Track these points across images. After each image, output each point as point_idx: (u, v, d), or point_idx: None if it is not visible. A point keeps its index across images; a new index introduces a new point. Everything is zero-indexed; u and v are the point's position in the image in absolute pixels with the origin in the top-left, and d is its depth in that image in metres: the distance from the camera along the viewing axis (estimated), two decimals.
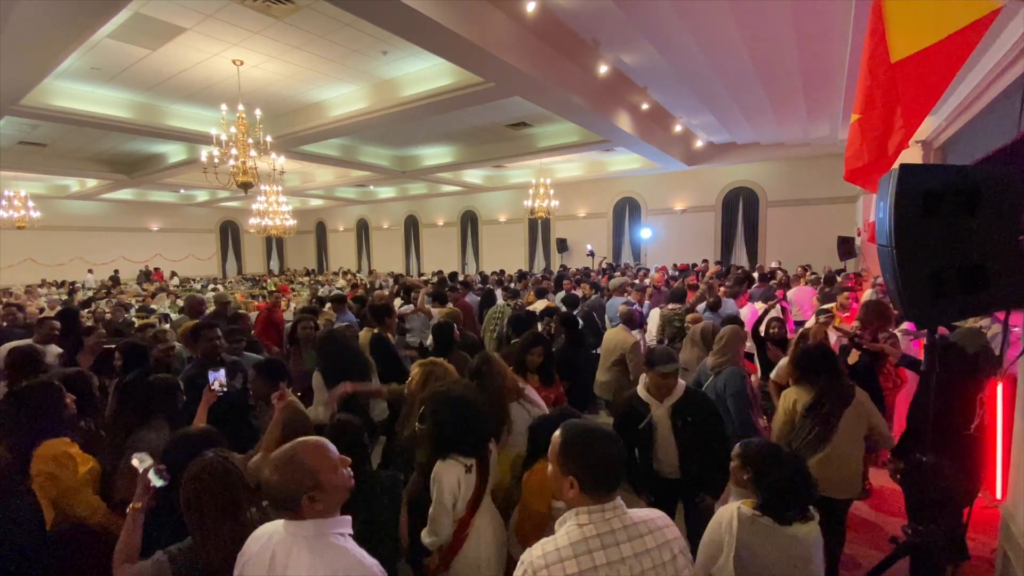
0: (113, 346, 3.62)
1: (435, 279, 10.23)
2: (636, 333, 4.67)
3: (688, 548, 1.46)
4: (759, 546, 1.79)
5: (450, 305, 6.09)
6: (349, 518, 1.43)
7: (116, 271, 17.31)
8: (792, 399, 2.82)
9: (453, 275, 11.04)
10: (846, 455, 2.65)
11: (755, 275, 9.70)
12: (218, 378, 2.72)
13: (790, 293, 7.35)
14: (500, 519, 2.22)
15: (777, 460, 1.88)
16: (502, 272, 12.76)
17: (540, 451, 2.03)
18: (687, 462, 2.69)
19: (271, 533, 1.39)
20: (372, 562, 1.36)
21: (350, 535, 1.40)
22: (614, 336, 4.54)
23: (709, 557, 1.86)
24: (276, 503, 1.38)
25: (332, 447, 1.44)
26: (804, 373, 2.80)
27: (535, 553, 1.33)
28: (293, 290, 13.51)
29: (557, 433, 1.47)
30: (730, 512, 1.87)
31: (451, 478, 2.05)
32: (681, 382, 2.77)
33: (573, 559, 1.28)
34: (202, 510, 1.55)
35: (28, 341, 4.00)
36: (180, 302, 10.69)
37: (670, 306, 5.58)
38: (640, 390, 2.80)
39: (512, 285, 9.23)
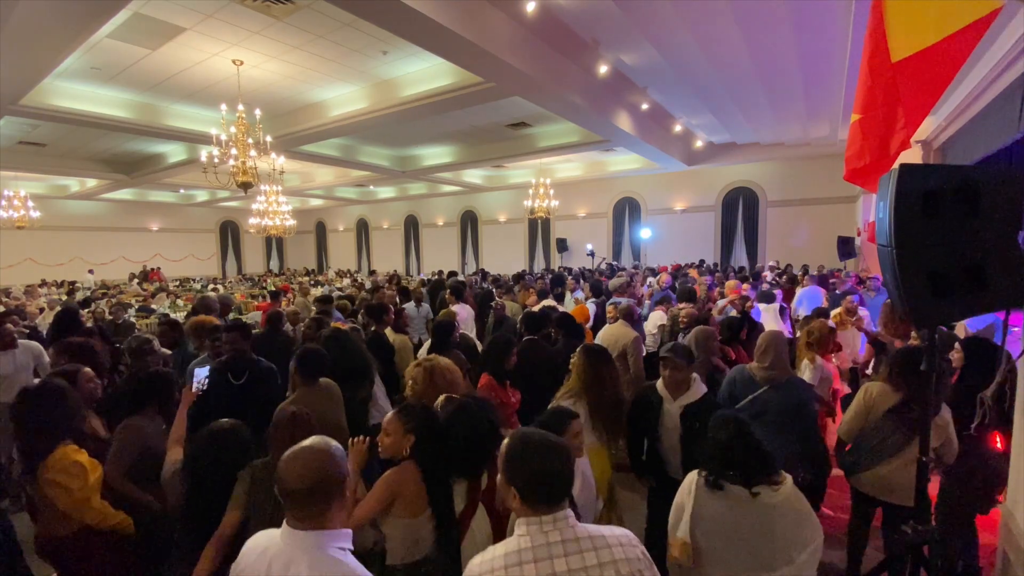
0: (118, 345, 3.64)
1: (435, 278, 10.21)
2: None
3: (651, 570, 1.36)
4: (711, 509, 1.88)
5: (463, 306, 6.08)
6: (350, 532, 1.38)
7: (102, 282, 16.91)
8: (874, 394, 2.69)
9: (453, 274, 11.04)
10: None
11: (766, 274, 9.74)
12: (201, 378, 2.62)
13: (799, 292, 7.23)
14: (489, 525, 2.22)
15: (723, 423, 1.98)
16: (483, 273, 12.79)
17: None
18: (689, 465, 2.63)
19: (266, 545, 1.34)
20: None
21: (350, 550, 1.36)
22: (614, 331, 4.42)
23: (673, 520, 1.94)
24: (304, 499, 1.30)
25: None
26: (901, 371, 2.62)
27: (475, 561, 1.33)
28: (293, 289, 13.51)
29: (505, 440, 1.45)
30: (690, 479, 1.97)
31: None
32: (702, 387, 2.75)
33: (503, 569, 1.27)
34: (293, 434, 1.93)
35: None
36: (180, 302, 10.70)
37: (679, 306, 5.51)
38: (659, 383, 2.83)
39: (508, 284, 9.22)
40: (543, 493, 1.34)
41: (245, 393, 3.02)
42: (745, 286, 7.09)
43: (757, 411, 2.80)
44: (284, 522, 1.34)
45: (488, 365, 3.19)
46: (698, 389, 2.72)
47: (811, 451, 2.75)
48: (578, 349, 2.98)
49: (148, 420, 2.53)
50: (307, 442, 1.38)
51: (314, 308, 6.05)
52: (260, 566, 1.31)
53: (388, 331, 4.76)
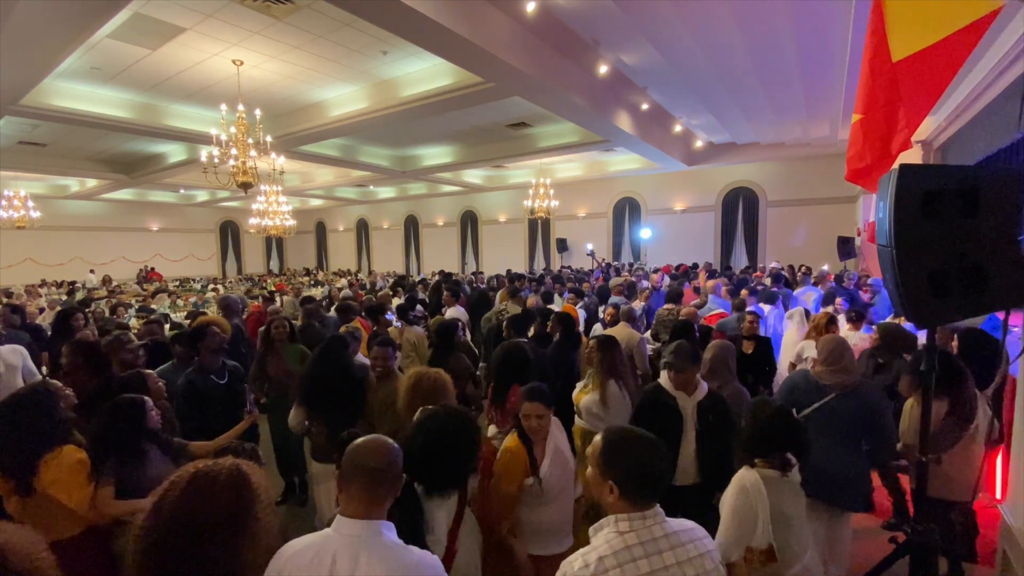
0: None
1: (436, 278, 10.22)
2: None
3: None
4: (784, 502, 1.84)
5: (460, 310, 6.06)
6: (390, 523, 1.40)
7: (107, 276, 16.40)
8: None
9: (450, 275, 11.06)
10: (974, 456, 2.66)
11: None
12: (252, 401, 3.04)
13: (796, 294, 7.07)
14: (480, 537, 2.18)
15: (760, 406, 2.00)
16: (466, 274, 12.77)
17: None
18: (704, 463, 2.61)
19: (320, 544, 1.31)
20: (432, 558, 1.38)
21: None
22: (619, 334, 4.28)
23: (742, 529, 1.82)
24: (378, 478, 1.36)
25: None
26: (942, 379, 2.55)
27: (576, 564, 1.30)
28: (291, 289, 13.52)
29: (599, 436, 1.48)
30: (750, 479, 1.84)
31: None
32: (704, 383, 2.76)
33: (618, 568, 1.26)
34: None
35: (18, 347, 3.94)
36: (180, 302, 10.70)
37: (666, 307, 5.55)
38: (664, 382, 2.74)
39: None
40: (645, 487, 1.37)
41: (227, 390, 3.33)
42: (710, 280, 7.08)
43: (824, 419, 2.62)
44: (336, 518, 1.34)
45: (516, 377, 3.08)
46: (704, 386, 2.75)
47: (886, 459, 2.71)
48: (591, 342, 3.18)
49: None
50: (374, 436, 1.48)
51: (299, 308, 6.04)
52: (322, 566, 1.26)
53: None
